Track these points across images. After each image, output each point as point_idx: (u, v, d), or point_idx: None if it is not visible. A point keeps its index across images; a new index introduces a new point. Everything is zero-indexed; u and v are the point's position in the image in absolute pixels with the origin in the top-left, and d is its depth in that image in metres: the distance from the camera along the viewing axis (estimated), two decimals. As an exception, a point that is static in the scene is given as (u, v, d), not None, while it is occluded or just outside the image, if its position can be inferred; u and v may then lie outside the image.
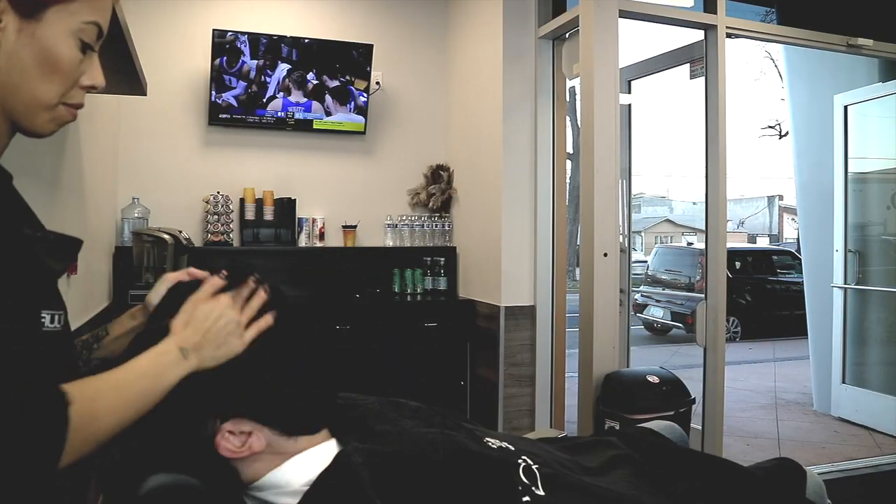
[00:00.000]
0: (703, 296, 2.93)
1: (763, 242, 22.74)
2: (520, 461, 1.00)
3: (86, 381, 0.72)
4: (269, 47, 3.30)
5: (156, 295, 1.01)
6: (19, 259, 0.69)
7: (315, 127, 3.48)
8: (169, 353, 0.83)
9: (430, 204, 3.70)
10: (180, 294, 0.93)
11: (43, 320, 0.70)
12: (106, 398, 0.73)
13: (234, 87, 3.30)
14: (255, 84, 3.32)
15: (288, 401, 0.94)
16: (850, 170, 4.01)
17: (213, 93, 3.27)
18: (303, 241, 3.50)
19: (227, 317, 0.89)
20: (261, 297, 0.94)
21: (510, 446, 1.05)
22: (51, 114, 0.76)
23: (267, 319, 0.93)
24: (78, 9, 0.74)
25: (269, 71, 3.33)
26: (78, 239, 0.78)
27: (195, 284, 0.93)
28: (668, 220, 26.45)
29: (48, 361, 0.70)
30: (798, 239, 7.73)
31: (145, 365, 0.80)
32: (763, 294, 8.62)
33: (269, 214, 3.42)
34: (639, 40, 3.52)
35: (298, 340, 0.99)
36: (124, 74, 1.96)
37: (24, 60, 0.72)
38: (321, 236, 3.53)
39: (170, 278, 1.02)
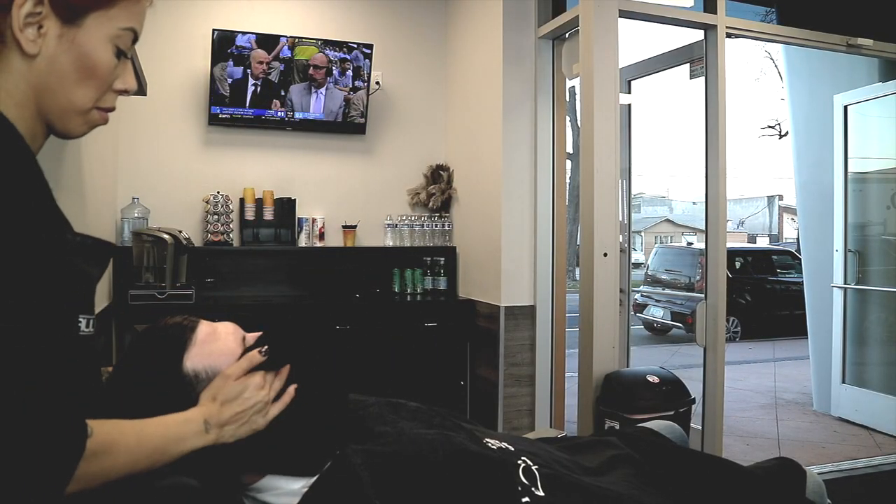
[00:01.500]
0: (702, 296, 2.93)
1: (763, 242, 22.74)
2: (519, 462, 1.00)
3: (110, 421, 0.73)
4: (269, 47, 3.30)
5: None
6: (65, 264, 0.70)
7: (315, 127, 3.48)
8: (193, 423, 0.84)
9: (430, 204, 3.70)
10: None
11: (79, 325, 0.71)
12: (126, 441, 0.74)
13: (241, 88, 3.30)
14: (256, 84, 3.32)
15: (295, 453, 0.95)
16: (849, 170, 4.01)
17: (225, 90, 3.27)
18: (303, 241, 3.50)
19: (256, 398, 0.89)
20: (285, 372, 0.94)
21: (510, 447, 1.05)
22: (84, 118, 0.78)
23: (290, 394, 0.93)
24: (116, 15, 0.76)
25: (269, 71, 3.33)
26: (112, 244, 0.79)
27: None
28: (668, 220, 26.44)
29: (81, 367, 0.70)
30: (798, 239, 7.73)
31: (170, 426, 0.81)
32: (763, 294, 8.62)
33: (269, 214, 3.42)
34: (639, 40, 3.52)
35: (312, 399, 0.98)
36: (124, 74, 1.96)
37: (64, 66, 0.73)
38: (321, 236, 3.53)
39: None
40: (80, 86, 0.75)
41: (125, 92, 0.80)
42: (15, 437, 0.60)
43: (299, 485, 0.91)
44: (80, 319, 0.72)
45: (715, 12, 2.86)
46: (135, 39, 0.79)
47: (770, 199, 26.55)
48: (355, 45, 3.45)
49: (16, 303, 0.62)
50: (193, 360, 0.90)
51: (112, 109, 0.80)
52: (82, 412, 0.67)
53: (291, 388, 0.93)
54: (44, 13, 0.71)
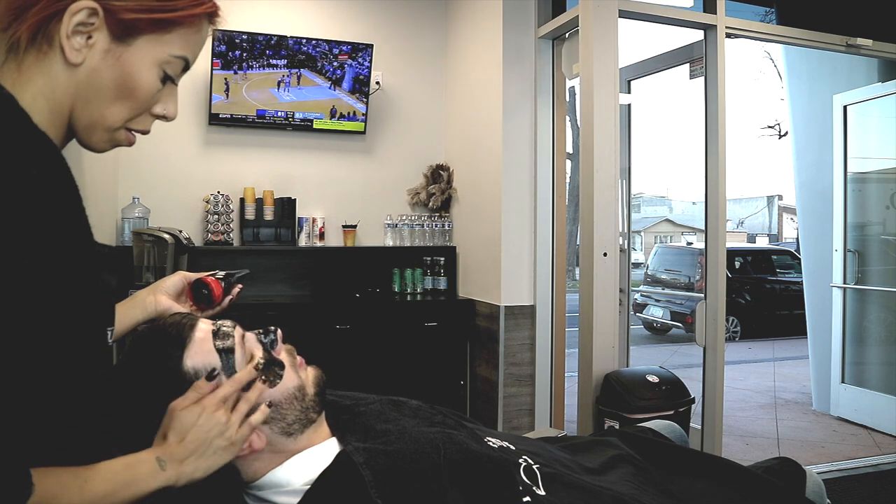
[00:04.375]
0: (702, 295, 2.94)
1: (762, 242, 22.74)
2: (521, 461, 1.00)
3: (54, 473, 0.68)
4: (269, 47, 3.30)
5: (171, 284, 1.01)
6: (96, 278, 0.69)
7: (315, 127, 3.49)
8: (144, 463, 0.77)
9: (430, 204, 3.71)
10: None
11: (108, 336, 0.72)
12: (67, 495, 0.68)
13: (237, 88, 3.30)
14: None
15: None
16: (849, 170, 4.02)
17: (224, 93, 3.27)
18: (303, 241, 3.50)
19: (210, 424, 0.81)
20: (258, 389, 0.87)
21: (511, 446, 1.05)
22: (111, 135, 0.76)
23: (263, 412, 0.88)
24: (171, 40, 0.75)
25: (269, 71, 3.33)
26: (117, 248, 0.79)
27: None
28: (668, 220, 26.45)
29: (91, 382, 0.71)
30: (797, 239, 7.74)
31: (118, 471, 0.74)
32: (762, 294, 8.62)
33: (269, 214, 3.43)
34: (639, 40, 3.53)
35: None
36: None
37: (104, 80, 0.72)
38: (321, 236, 3.53)
39: (189, 277, 1.03)
40: (116, 104, 0.73)
41: (164, 118, 0.79)
42: None
43: (301, 483, 0.91)
44: (108, 331, 0.72)
45: (715, 12, 2.87)
46: (186, 68, 0.78)
47: (769, 198, 26.57)
48: (355, 45, 3.45)
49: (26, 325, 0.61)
50: (194, 358, 0.89)
51: (145, 132, 0.79)
52: (24, 474, 0.63)
53: (264, 407, 0.88)
54: (96, 25, 0.70)
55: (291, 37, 3.34)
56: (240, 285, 1.05)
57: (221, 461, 0.83)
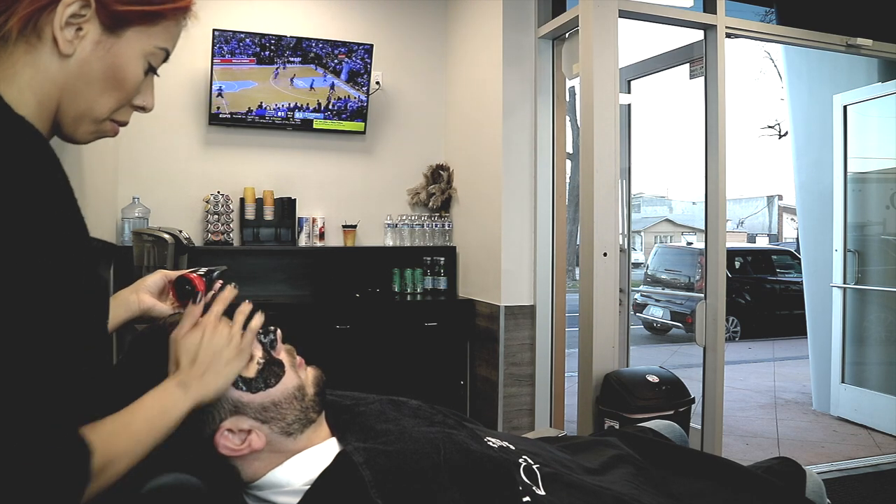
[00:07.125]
0: (702, 295, 2.94)
1: (762, 242, 22.74)
2: (520, 461, 1.01)
3: (100, 426, 0.72)
4: (270, 47, 3.31)
5: (152, 282, 1.01)
6: (94, 271, 0.71)
7: (315, 127, 3.49)
8: (169, 392, 0.81)
9: (430, 204, 3.71)
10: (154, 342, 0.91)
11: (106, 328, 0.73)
12: (123, 445, 0.73)
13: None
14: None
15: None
16: (849, 169, 4.02)
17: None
18: (303, 241, 3.50)
19: (215, 338, 0.86)
20: (233, 292, 0.93)
21: (511, 446, 1.06)
22: (97, 126, 0.78)
23: (260, 318, 0.92)
24: (157, 33, 0.78)
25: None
26: (110, 243, 0.79)
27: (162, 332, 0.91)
28: (668, 220, 26.45)
29: (96, 372, 0.72)
30: (797, 239, 7.73)
31: (149, 406, 0.79)
32: (762, 294, 8.62)
33: (269, 214, 3.43)
34: (639, 40, 3.53)
35: None
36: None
37: (94, 72, 0.74)
38: (321, 236, 3.53)
39: (170, 275, 1.03)
40: (104, 95, 0.75)
41: (143, 109, 0.82)
42: (20, 469, 0.60)
43: (301, 483, 0.91)
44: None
45: (715, 12, 2.87)
46: (165, 59, 0.81)
47: (769, 198, 26.57)
48: (355, 45, 3.45)
49: (38, 320, 0.62)
50: None
51: (125, 124, 0.81)
52: (80, 439, 0.66)
53: (258, 314, 0.92)
54: (87, 17, 0.71)
55: (291, 37, 3.34)
56: (220, 281, 1.06)
57: (236, 369, 0.87)
